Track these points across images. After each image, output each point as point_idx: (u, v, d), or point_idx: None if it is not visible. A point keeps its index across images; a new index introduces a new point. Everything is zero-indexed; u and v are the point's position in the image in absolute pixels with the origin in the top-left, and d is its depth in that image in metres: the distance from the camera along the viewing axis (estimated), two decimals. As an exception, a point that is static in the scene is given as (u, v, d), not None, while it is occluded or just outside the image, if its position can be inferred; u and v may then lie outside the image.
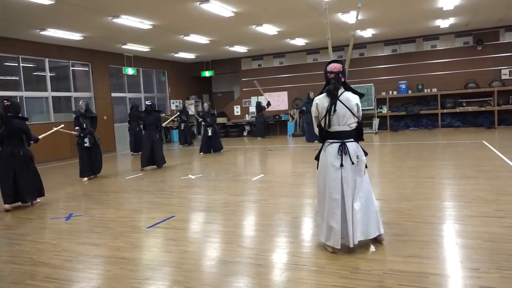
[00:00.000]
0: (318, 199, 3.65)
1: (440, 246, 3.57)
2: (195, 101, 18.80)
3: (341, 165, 3.41)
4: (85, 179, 8.29)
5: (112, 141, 14.90)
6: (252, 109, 18.47)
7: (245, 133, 18.31)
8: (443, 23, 13.30)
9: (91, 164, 8.37)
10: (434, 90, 15.45)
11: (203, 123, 12.28)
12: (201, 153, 11.85)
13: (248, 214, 5.20)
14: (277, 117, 17.72)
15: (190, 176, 8.08)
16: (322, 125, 3.53)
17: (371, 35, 14.60)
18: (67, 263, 3.70)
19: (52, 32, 11.05)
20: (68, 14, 9.43)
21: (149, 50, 14.78)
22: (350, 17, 11.35)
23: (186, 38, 12.95)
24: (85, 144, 8.22)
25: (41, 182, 6.43)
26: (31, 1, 8.10)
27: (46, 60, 12.67)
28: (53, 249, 4.13)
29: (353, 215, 3.41)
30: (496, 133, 12.84)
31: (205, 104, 12.38)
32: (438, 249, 3.49)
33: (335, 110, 3.41)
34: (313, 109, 3.57)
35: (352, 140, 3.50)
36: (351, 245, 3.45)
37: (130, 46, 13.92)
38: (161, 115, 10.67)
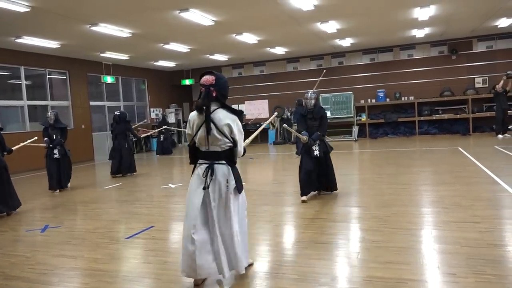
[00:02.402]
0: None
1: (418, 252, 3.63)
2: (175, 110, 18.69)
3: (204, 187, 3.09)
4: (57, 191, 8.09)
5: (90, 150, 14.65)
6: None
7: (226, 142, 18.29)
8: (419, 33, 13.66)
9: (59, 176, 8.13)
10: (411, 98, 15.80)
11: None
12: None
13: (229, 223, 5.16)
14: (258, 125, 17.76)
15: (170, 185, 8.00)
16: (197, 144, 3.21)
17: (349, 44, 14.86)
18: (42, 277, 3.60)
19: (28, 40, 10.85)
20: (44, 22, 9.28)
21: (128, 58, 14.66)
22: (328, 27, 11.53)
23: (166, 46, 12.91)
24: (55, 156, 8.03)
25: (15, 193, 6.27)
26: (6, 8, 7.94)
27: (22, 68, 12.41)
28: (27, 262, 4.01)
29: (220, 243, 3.11)
30: (471, 140, 13.20)
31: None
32: (416, 255, 3.55)
33: (209, 129, 3.08)
34: (187, 126, 3.26)
35: (224, 162, 3.17)
36: (222, 277, 3.16)
37: (109, 54, 13.78)
38: (143, 123, 10.76)
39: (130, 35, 10.97)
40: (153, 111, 17.76)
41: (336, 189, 6.12)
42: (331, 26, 11.51)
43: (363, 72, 16.57)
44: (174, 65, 17.41)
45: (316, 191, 6.12)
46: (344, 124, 16.15)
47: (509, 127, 13.05)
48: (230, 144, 3.15)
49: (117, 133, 9.74)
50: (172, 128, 15.97)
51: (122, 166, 9.69)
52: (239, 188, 3.21)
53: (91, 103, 14.94)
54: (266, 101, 17.98)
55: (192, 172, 3.27)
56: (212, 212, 3.12)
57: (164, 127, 14.27)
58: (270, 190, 7.07)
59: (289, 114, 16.33)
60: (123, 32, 10.61)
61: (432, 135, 15.28)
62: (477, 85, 15.27)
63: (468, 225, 4.23)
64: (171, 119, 17.73)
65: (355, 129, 15.70)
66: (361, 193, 6.20)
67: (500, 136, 12.88)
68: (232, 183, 3.17)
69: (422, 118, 15.44)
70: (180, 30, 10.85)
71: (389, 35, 13.83)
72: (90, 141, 14.67)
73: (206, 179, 3.11)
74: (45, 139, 8.04)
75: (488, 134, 14.19)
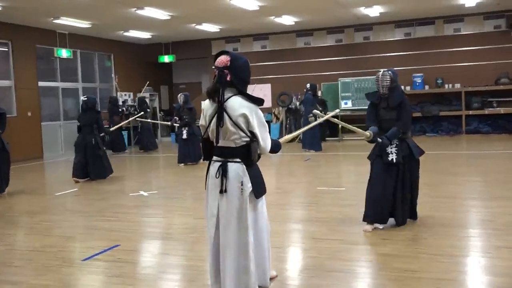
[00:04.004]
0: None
1: (462, 285, 3.65)
2: (150, 94, 18.67)
3: (221, 191, 3.31)
4: None
5: (38, 145, 14.62)
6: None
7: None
8: (469, 2, 13.66)
9: None
10: (457, 86, 15.82)
11: (177, 122, 11.60)
12: (181, 165, 11.28)
13: (217, 243, 5.18)
14: (257, 116, 17.79)
15: (142, 192, 8.02)
16: (210, 137, 3.42)
17: (378, 14, 14.85)
18: (-26, 308, 3.62)
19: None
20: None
21: (90, 26, 14.63)
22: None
23: (140, 11, 12.90)
24: None
25: None
26: None
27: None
28: (-45, 289, 4.03)
29: (225, 257, 3.32)
30: (533, 141, 13.24)
31: (181, 95, 11.62)
32: (459, 289, 3.58)
33: (221, 120, 3.26)
34: (201, 115, 3.49)
35: (238, 160, 3.33)
36: None
37: (65, 21, 13.74)
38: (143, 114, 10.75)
39: (93, -4, 10.96)
40: (122, 96, 17.72)
41: (416, 217, 5.42)
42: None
43: (395, 50, 16.58)
44: (150, 37, 17.38)
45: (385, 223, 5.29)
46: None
47: None
48: (247, 139, 3.31)
49: (82, 124, 9.59)
50: (148, 120, 15.98)
51: (90, 168, 9.44)
52: (256, 192, 3.37)
53: (41, 83, 14.91)
54: (269, 85, 17.98)
55: (207, 172, 3.46)
56: (219, 221, 3.34)
57: (140, 113, 14.18)
58: (272, 201, 7.05)
59: (297, 103, 16.34)
60: (84, -8, 10.61)
61: (483, 134, 15.30)
62: (542, 71, 15.32)
63: (527, 252, 4.26)
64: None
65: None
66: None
67: None
68: (248, 185, 3.32)
69: (471, 113, 15.45)
70: (159, -10, 10.86)
71: (431, 3, 13.83)
72: (38, 133, 14.64)
73: (221, 180, 3.31)
74: None
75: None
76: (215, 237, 3.37)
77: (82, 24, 14.29)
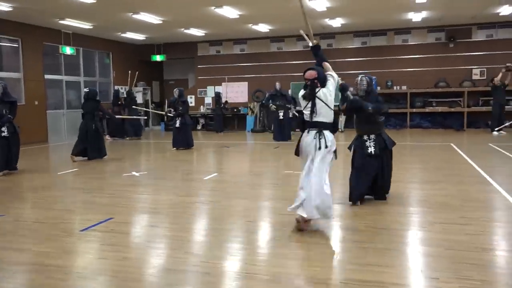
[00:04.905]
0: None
1: (401, 254, 3.73)
2: (143, 89, 18.42)
3: (319, 148, 4.38)
4: (2, 173, 7.89)
5: (44, 130, 14.31)
6: (208, 100, 18.38)
7: (199, 127, 18.19)
8: (416, 16, 13.82)
9: (6, 157, 7.90)
10: (404, 87, 16.04)
11: (171, 112, 11.61)
12: (174, 148, 11.23)
13: (197, 217, 5.18)
14: (235, 110, 17.73)
15: (133, 173, 7.93)
16: (304, 117, 4.50)
17: (340, 25, 14.91)
18: (-18, 271, 3.52)
19: (-26, 0, 10.43)
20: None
21: (91, 27, 14.32)
22: (318, 4, 11.53)
23: (135, 16, 12.65)
24: (3, 134, 7.83)
25: None
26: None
27: (-34, 32, 11.95)
28: (-34, 254, 3.92)
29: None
30: (465, 135, 13.55)
31: (176, 90, 11.54)
32: (399, 257, 3.65)
33: (314, 106, 4.42)
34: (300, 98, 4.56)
35: (328, 131, 4.46)
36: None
37: (69, 22, 13.42)
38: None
39: (95, 0, 10.70)
40: (118, 89, 17.40)
41: (388, 193, 5.56)
42: (320, 4, 11.51)
43: (353, 56, 16.68)
44: (144, 38, 17.11)
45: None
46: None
47: (506, 123, 13.40)
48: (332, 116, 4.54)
49: (85, 112, 9.73)
50: (148, 109, 15.94)
51: (89, 150, 9.54)
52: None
53: (47, 76, 14.57)
54: (246, 83, 17.92)
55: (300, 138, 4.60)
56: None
57: (133, 107, 14.30)
58: (246, 182, 7.09)
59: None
60: (85, -3, 10.34)
61: (424, 128, 15.60)
62: (474, 77, 15.63)
63: (455, 227, 4.36)
64: (139, 99, 17.44)
65: (342, 119, 15.86)
66: (343, 188, 6.28)
67: (495, 133, 13.25)
68: (333, 147, 4.49)
69: (414, 110, 15.72)
70: (152, -2, 10.65)
71: (384, 17, 13.94)
72: (43, 119, 14.32)
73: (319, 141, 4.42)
74: None
75: (483, 130, 14.59)
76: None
77: (85, 25, 13.99)
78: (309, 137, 4.43)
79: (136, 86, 17.08)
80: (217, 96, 16.59)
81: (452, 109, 15.44)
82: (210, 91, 18.22)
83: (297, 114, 13.15)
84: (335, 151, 4.47)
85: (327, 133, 4.42)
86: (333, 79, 4.55)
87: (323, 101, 4.40)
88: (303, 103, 4.51)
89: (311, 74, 4.46)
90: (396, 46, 16.35)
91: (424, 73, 16.01)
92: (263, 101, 15.36)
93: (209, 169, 8.50)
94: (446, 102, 15.70)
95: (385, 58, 16.31)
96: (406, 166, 8.08)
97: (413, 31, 16.11)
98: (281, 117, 12.79)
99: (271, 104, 13.10)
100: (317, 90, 4.42)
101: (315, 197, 4.25)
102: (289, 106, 13.03)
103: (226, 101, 17.00)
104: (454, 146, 10.61)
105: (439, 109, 15.58)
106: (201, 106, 18.46)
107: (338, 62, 16.57)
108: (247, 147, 12.52)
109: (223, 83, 17.61)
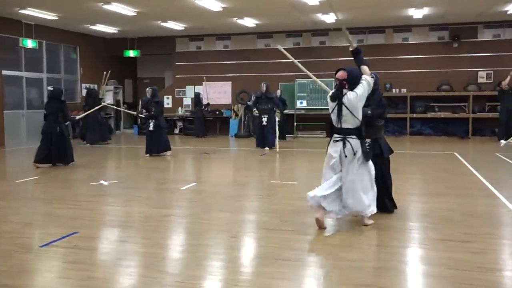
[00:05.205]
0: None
1: (400, 274, 3.75)
2: (114, 87, 18.29)
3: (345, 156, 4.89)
4: None
5: (0, 133, 14.09)
6: (187, 101, 18.34)
7: (176, 131, 18.12)
8: (417, 13, 14.03)
9: None
10: (404, 90, 16.23)
11: (143, 114, 11.50)
12: (147, 155, 11.10)
13: (173, 232, 5.15)
14: (217, 112, 17.72)
15: (102, 182, 7.85)
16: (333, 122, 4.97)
17: (334, 21, 15.04)
18: None
19: None
20: None
21: (56, 18, 14.20)
22: (310, -3, 11.64)
23: (106, 6, 12.60)
24: None
25: None
26: None
27: None
28: None
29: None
30: (469, 144, 13.75)
31: (149, 89, 11.43)
32: (398, 277, 3.67)
33: (340, 110, 4.85)
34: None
35: (354, 136, 4.86)
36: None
37: (31, 12, 13.29)
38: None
39: (60, -11, 10.65)
40: (86, 88, 17.25)
41: (394, 206, 5.61)
42: (312, -3, 11.63)
43: (348, 55, 16.71)
44: (116, 32, 17.04)
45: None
46: (321, 117, 16.34)
47: None
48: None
49: (48, 113, 9.62)
50: (119, 108, 15.69)
51: (53, 154, 9.45)
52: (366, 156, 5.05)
53: (5, 72, 14.38)
54: (229, 83, 17.95)
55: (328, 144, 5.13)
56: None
57: (103, 104, 13.99)
58: (228, 193, 7.08)
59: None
60: (50, -16, 10.28)
61: (425, 136, 15.79)
62: (480, 80, 15.90)
63: (458, 244, 4.41)
64: (109, 98, 17.30)
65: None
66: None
67: (502, 141, 13.41)
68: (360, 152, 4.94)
69: (415, 116, 15.92)
70: (125, -13, 10.64)
71: (382, 13, 14.12)
72: (0, 120, 14.11)
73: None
74: None
75: (489, 138, 14.83)
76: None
77: (49, 15, 13.88)
78: (336, 145, 4.89)
79: (106, 84, 16.94)
80: (197, 97, 16.57)
81: (456, 115, 15.68)
82: (190, 91, 18.20)
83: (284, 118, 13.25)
84: (366, 155, 4.88)
85: (352, 140, 4.81)
86: (366, 84, 4.84)
87: (346, 107, 4.76)
88: (330, 105, 4.91)
89: (341, 75, 4.89)
90: (395, 45, 16.56)
91: (425, 75, 16.22)
92: (249, 103, 15.42)
93: (187, 178, 8.46)
94: (449, 107, 15.93)
95: (383, 58, 16.45)
96: (406, 176, 8.15)
97: (414, 29, 16.34)
98: (264, 123, 12.43)
99: (254, 109, 12.98)
100: (344, 92, 4.80)
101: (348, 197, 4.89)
102: (275, 109, 12.82)
103: (208, 103, 16.99)
104: (458, 156, 10.76)
105: (442, 114, 15.80)
106: (179, 108, 18.42)
107: (331, 61, 16.74)
108: (230, 154, 12.51)
109: (203, 83, 17.58)
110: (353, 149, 4.80)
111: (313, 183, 5.57)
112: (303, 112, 16.46)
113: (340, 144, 4.85)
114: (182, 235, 5.07)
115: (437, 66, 16.14)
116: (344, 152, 4.81)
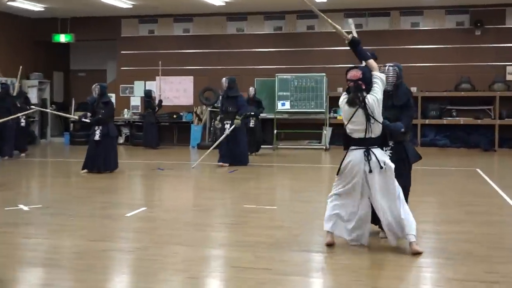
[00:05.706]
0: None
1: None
2: (39, 82, 18.06)
3: (370, 170, 5.15)
4: None
5: None
6: (136, 101, 18.24)
7: (121, 140, 17.97)
8: (429, -8, 14.27)
9: None
10: (413, 89, 16.36)
11: (86, 117, 11.05)
12: (84, 171, 10.78)
13: (115, 272, 5.10)
14: (174, 116, 17.65)
15: (21, 206, 7.73)
16: (348, 132, 5.27)
17: (326, 0, 15.16)
18: None
19: None
20: None
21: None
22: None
23: (30, -23, 12.49)
24: None
25: None
26: None
27: None
28: None
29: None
30: (495, 158, 13.99)
31: (96, 86, 11.06)
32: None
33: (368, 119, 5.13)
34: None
35: (376, 146, 5.18)
36: None
37: None
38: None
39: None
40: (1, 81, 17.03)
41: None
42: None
43: (343, 44, 16.84)
44: (42, 9, 16.90)
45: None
46: (310, 122, 16.45)
47: None
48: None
49: None
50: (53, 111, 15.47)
51: None
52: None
53: None
54: (191, 78, 17.94)
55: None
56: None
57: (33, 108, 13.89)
58: (188, 221, 7.04)
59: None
60: None
61: (440, 147, 15.90)
62: (508, 77, 16.13)
63: (481, 286, 4.46)
64: (33, 96, 17.04)
65: (327, 132, 16.03)
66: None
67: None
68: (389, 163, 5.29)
69: (427, 122, 16.05)
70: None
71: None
72: None
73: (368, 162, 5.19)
74: None
75: (520, 151, 15.11)
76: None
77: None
78: (356, 157, 5.15)
79: (28, 78, 16.72)
80: (149, 95, 16.46)
81: (479, 121, 15.82)
82: (139, 88, 18.12)
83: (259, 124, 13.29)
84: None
85: (376, 151, 5.12)
86: (381, 83, 5.14)
87: (371, 113, 5.01)
88: (346, 113, 5.16)
89: (355, 74, 5.16)
90: (402, 31, 16.75)
91: (440, 70, 16.40)
92: (216, 105, 15.40)
93: (134, 202, 8.38)
94: (470, 111, 16.06)
95: (387, 47, 16.54)
96: (416, 199, 8.20)
97: (426, 12, 16.54)
98: (227, 131, 11.95)
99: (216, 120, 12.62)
100: (364, 95, 5.06)
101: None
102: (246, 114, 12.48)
103: (160, 101, 16.76)
104: (481, 173, 10.93)
105: (461, 120, 15.94)
106: (125, 110, 18.31)
107: (321, 51, 16.90)
108: (191, 170, 12.45)
109: (157, 77, 17.48)
110: (379, 162, 5.07)
111: (297, 207, 5.59)
112: (285, 116, 16.50)
113: (362, 157, 5.11)
114: (127, 275, 5.00)
115: (455, 59, 16.28)
116: (370, 166, 5.06)
